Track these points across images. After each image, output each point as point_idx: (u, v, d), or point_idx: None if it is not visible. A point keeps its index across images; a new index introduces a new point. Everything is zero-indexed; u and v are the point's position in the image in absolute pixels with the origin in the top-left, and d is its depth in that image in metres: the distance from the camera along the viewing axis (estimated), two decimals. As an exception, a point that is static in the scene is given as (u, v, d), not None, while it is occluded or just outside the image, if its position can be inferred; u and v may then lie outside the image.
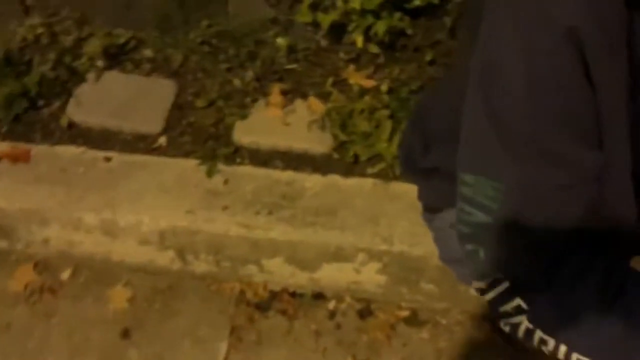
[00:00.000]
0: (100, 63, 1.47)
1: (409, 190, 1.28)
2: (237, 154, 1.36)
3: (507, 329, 0.68)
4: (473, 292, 1.29)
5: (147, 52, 1.48)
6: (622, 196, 0.63)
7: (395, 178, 1.30)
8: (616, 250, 0.65)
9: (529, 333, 0.66)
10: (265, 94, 1.44)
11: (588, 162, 0.58)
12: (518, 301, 0.64)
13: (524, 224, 0.60)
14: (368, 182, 1.29)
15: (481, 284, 0.67)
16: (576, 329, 0.62)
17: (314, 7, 1.43)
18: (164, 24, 1.51)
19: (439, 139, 0.87)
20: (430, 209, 0.96)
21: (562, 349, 0.64)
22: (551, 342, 0.64)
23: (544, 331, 0.64)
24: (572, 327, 0.62)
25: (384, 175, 1.31)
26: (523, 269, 0.63)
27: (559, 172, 0.58)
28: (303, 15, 1.43)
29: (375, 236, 1.19)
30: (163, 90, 1.45)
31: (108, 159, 1.33)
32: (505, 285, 0.65)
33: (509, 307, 0.66)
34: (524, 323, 0.65)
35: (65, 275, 1.38)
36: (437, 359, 1.27)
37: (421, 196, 0.98)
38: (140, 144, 1.38)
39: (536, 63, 0.55)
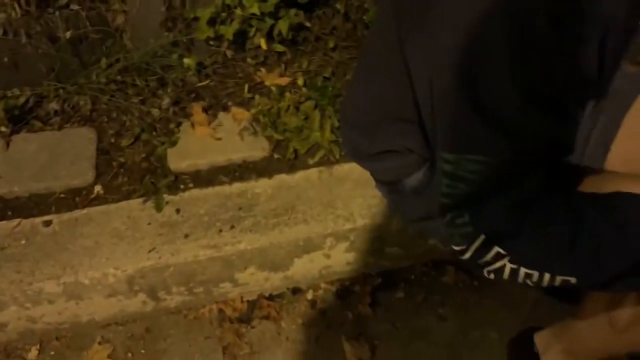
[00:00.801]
0: (4, 128, 1.38)
1: (352, 169, 1.36)
2: (178, 181, 1.36)
3: (491, 276, 0.77)
4: (430, 243, 1.41)
5: (53, 105, 1.42)
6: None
7: (336, 161, 1.38)
8: (565, 181, 0.77)
9: (514, 272, 0.75)
10: (187, 116, 1.44)
11: (555, 132, 0.68)
12: (496, 249, 0.72)
13: (503, 186, 0.68)
14: (314, 173, 1.35)
15: (462, 246, 0.74)
16: (554, 257, 0.72)
17: (211, 22, 1.45)
18: (61, 73, 1.45)
19: (380, 126, 0.91)
20: (386, 183, 1.02)
21: (546, 277, 0.74)
22: (535, 274, 0.74)
23: (527, 267, 0.73)
24: (550, 256, 0.72)
25: (325, 162, 1.38)
26: (502, 221, 0.70)
27: (536, 144, 0.67)
28: (203, 32, 1.44)
29: (337, 218, 1.26)
30: (82, 139, 1.40)
31: (48, 223, 1.27)
32: (480, 240, 0.72)
33: (488, 257, 0.74)
34: (507, 265, 0.74)
35: (32, 354, 1.31)
36: (417, 312, 1.37)
37: (375, 175, 1.04)
38: (76, 198, 1.33)
39: (520, 51, 0.60)
